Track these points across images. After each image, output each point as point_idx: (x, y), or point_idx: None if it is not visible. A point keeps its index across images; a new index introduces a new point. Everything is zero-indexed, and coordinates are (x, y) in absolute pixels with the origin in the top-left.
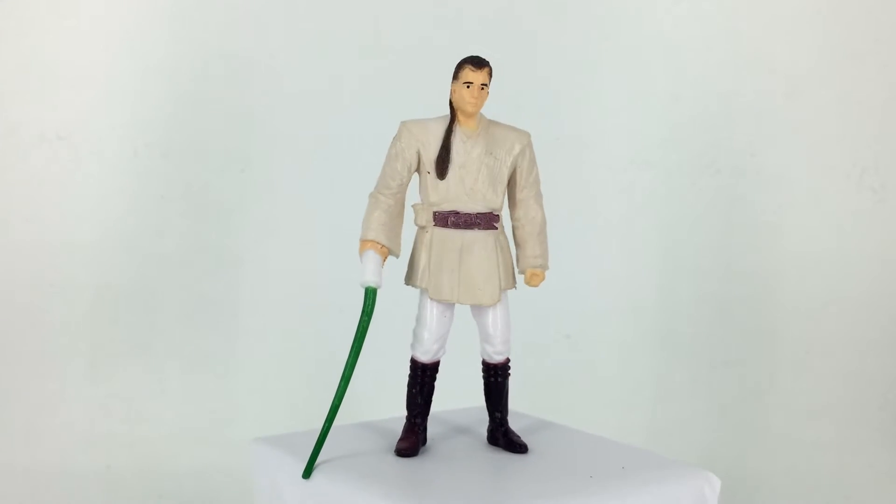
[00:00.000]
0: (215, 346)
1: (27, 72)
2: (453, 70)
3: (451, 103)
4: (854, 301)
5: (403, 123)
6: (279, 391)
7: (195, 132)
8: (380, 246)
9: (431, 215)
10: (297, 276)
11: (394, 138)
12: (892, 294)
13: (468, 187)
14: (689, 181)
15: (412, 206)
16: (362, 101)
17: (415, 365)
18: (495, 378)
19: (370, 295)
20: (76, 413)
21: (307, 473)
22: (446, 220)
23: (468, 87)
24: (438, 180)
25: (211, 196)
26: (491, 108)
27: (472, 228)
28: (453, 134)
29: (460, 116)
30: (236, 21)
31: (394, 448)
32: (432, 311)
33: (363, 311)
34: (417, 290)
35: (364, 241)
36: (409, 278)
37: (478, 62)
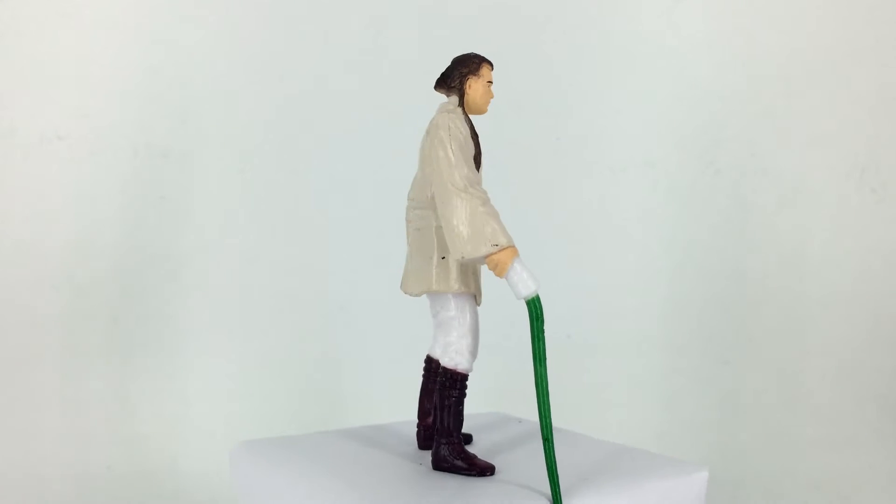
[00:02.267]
0: (217, 347)
1: (27, 72)
2: (464, 62)
3: (461, 97)
4: (854, 300)
5: (448, 114)
6: (279, 391)
7: (195, 133)
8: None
9: None
10: (298, 274)
11: (449, 129)
12: (892, 293)
13: (482, 185)
14: (689, 181)
15: None
16: (361, 102)
17: (462, 379)
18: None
19: (538, 302)
20: (75, 414)
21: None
22: None
23: (489, 85)
24: None
25: (210, 196)
26: (495, 109)
27: None
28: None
29: (467, 113)
30: (235, 23)
31: (479, 472)
32: (476, 317)
33: (539, 320)
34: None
35: (511, 249)
36: (451, 284)
37: (490, 62)
